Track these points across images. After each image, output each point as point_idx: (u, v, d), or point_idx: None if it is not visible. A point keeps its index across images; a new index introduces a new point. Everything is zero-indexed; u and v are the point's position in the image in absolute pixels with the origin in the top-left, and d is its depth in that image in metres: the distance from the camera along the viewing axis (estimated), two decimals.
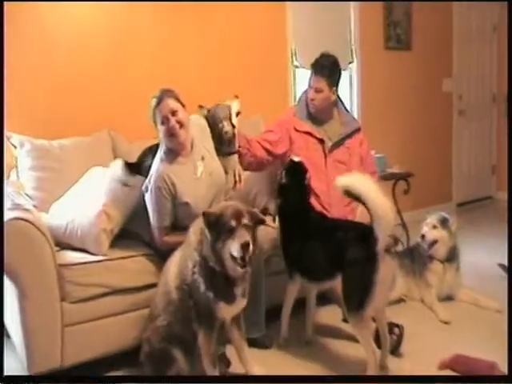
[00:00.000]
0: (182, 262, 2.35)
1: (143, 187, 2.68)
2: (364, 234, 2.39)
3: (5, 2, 2.75)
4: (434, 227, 3.32)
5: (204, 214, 2.23)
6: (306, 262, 2.68)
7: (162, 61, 3.79)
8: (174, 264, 2.41)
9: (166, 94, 2.65)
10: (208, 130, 2.92)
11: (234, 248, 2.19)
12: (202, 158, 2.76)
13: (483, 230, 4.97)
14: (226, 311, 2.34)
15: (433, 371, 2.51)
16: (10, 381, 2.16)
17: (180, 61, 3.88)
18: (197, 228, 2.34)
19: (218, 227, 2.21)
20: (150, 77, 3.65)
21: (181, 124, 2.63)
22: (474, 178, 6.32)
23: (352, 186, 2.38)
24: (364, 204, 2.37)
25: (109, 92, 3.57)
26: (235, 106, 2.98)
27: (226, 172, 2.92)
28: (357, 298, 2.37)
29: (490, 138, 6.44)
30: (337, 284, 2.57)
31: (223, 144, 2.92)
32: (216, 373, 2.36)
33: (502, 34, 6.13)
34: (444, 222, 3.31)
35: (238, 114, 2.99)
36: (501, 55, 6.24)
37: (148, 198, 2.66)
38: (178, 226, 2.68)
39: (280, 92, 4.45)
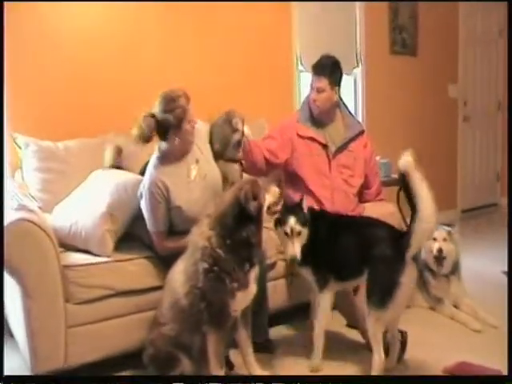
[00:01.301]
0: (190, 269, 2.35)
1: (138, 194, 2.68)
2: (397, 233, 2.49)
3: (5, 2, 2.76)
4: (445, 240, 3.26)
5: (243, 189, 2.30)
6: (338, 262, 2.62)
7: (166, 64, 3.80)
8: (178, 273, 2.41)
9: (182, 91, 2.65)
10: (205, 132, 2.90)
11: (272, 195, 2.42)
12: (197, 161, 2.75)
13: (488, 237, 4.95)
14: (241, 302, 2.36)
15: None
16: (9, 381, 2.16)
17: (185, 64, 3.88)
18: (201, 231, 2.35)
19: (258, 195, 2.34)
20: (156, 79, 3.65)
21: (189, 119, 2.64)
22: (478, 184, 6.31)
23: (411, 174, 2.40)
24: (411, 199, 2.38)
25: (115, 94, 3.57)
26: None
27: (227, 179, 2.90)
28: (380, 296, 2.40)
29: (495, 145, 6.42)
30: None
31: (229, 150, 2.91)
32: (222, 375, 2.36)
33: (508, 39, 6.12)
34: (450, 235, 3.28)
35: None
36: (506, 61, 6.22)
37: (143, 204, 2.66)
38: (173, 231, 2.69)
39: (285, 96, 4.44)
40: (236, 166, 2.98)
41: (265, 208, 2.36)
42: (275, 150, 3.16)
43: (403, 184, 2.45)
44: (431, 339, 2.90)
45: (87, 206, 2.75)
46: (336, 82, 3.18)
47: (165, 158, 2.67)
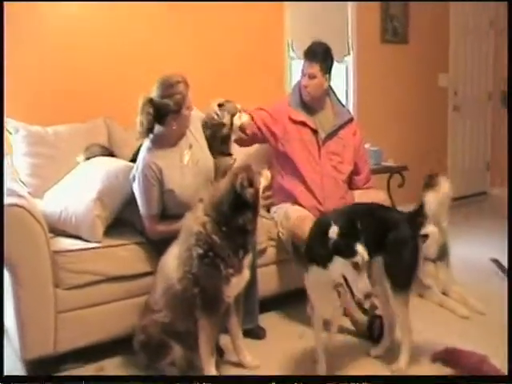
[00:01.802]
0: (183, 254, 2.35)
1: (130, 176, 2.68)
2: (406, 214, 2.53)
3: (4, 2, 2.73)
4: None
5: (239, 176, 2.30)
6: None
7: (158, 50, 3.77)
8: (172, 258, 2.41)
9: (181, 77, 2.64)
10: (199, 119, 2.89)
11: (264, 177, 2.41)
12: (190, 147, 2.75)
13: (477, 225, 4.99)
14: (235, 287, 2.38)
15: (426, 363, 2.52)
16: (9, 381, 2.16)
17: (176, 51, 3.85)
18: (196, 216, 2.36)
19: (253, 178, 2.35)
20: (147, 65, 3.63)
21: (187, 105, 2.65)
22: (468, 173, 6.34)
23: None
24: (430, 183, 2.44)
25: (105, 79, 3.55)
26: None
27: (218, 168, 2.87)
28: (404, 277, 2.44)
29: (484, 135, 6.45)
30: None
31: (217, 145, 2.90)
32: (213, 361, 2.38)
33: (499, 30, 6.14)
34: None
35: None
36: (497, 52, 6.25)
37: (136, 186, 2.66)
38: (165, 216, 2.69)
39: (276, 83, 4.43)
40: (227, 158, 2.96)
41: (260, 194, 2.36)
42: (268, 123, 3.17)
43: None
44: (420, 326, 2.92)
45: (78, 192, 2.74)
46: (327, 68, 3.18)
47: (159, 142, 2.66)
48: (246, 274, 2.42)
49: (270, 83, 4.35)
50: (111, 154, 3.09)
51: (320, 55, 3.15)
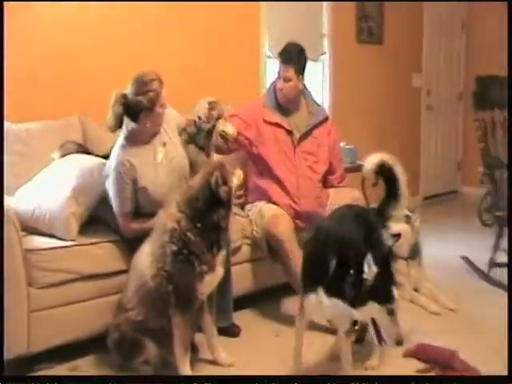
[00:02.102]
0: (157, 251, 2.35)
1: (104, 173, 2.67)
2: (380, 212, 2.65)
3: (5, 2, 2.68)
4: (398, 221, 3.32)
5: (213, 176, 2.30)
6: None
7: (133, 48, 3.73)
8: (145, 255, 2.40)
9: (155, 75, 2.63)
10: (173, 117, 2.87)
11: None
12: (164, 144, 2.74)
13: (448, 223, 5.08)
14: (208, 285, 2.39)
15: (400, 359, 2.57)
16: (9, 381, 2.13)
17: (152, 49, 3.82)
18: (169, 213, 2.35)
19: (227, 177, 2.35)
20: (121, 62, 3.60)
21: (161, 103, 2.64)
22: (440, 172, 6.46)
23: (385, 162, 2.62)
24: (390, 179, 2.62)
25: (79, 76, 3.50)
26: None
27: (194, 165, 2.86)
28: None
29: (456, 135, 6.57)
30: None
31: (199, 138, 2.87)
32: (187, 359, 2.37)
33: (470, 32, 6.27)
34: (407, 218, 3.34)
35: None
36: (468, 53, 6.37)
37: (109, 184, 2.64)
38: (138, 214, 2.68)
39: (252, 82, 4.43)
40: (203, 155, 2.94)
41: (233, 192, 2.37)
42: (240, 129, 3.16)
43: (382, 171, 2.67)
44: None
45: (52, 189, 2.71)
46: (301, 70, 3.21)
47: (132, 139, 2.65)
48: (220, 271, 2.44)
49: (245, 82, 4.35)
50: (86, 152, 3.06)
51: (294, 58, 3.16)
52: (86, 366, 2.56)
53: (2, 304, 2.31)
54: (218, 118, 2.86)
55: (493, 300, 3.19)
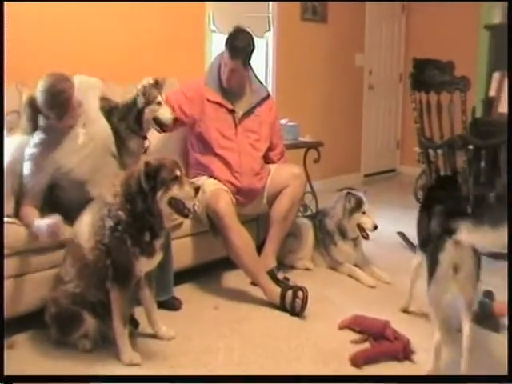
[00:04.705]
0: (96, 223, 2.33)
1: (27, 154, 2.58)
2: None
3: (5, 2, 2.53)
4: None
5: (147, 164, 2.24)
6: None
7: (79, 22, 3.63)
8: (84, 226, 2.37)
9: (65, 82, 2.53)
10: (91, 87, 2.80)
11: (183, 194, 2.28)
12: (84, 125, 2.67)
13: (386, 201, 5.23)
14: (145, 266, 2.38)
15: (335, 330, 2.66)
16: (9, 381, 2.06)
17: (98, 23, 3.73)
18: (113, 184, 2.33)
19: (160, 177, 2.24)
20: (68, 35, 3.53)
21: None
22: (380, 150, 6.63)
23: None
24: None
25: (19, 43, 3.37)
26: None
27: (127, 145, 2.80)
28: None
29: (396, 114, 6.75)
30: None
31: (131, 121, 2.79)
32: (126, 333, 2.37)
33: (409, 14, 6.42)
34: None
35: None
36: (408, 35, 6.54)
37: (28, 168, 2.57)
38: (65, 198, 2.65)
39: (196, 56, 4.40)
40: (140, 140, 2.87)
41: (164, 196, 2.27)
42: (184, 108, 3.15)
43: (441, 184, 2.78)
44: (330, 295, 3.07)
45: None
46: (248, 59, 3.18)
47: (49, 131, 2.59)
48: (158, 256, 2.41)
49: (189, 56, 4.32)
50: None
51: (244, 52, 3.11)
52: (22, 342, 2.50)
53: (2, 304, 2.25)
54: (149, 102, 2.76)
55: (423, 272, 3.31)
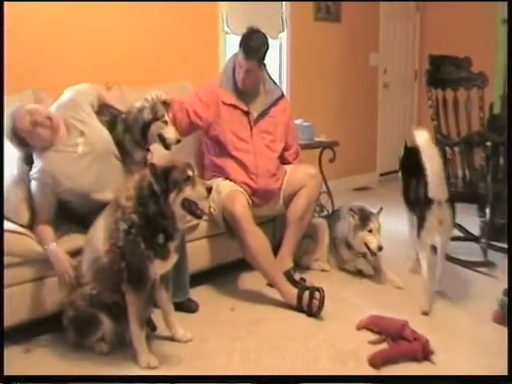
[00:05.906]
0: (111, 226, 2.33)
1: (30, 175, 2.59)
2: None
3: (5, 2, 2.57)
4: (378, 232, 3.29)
5: (152, 166, 2.23)
6: None
7: (90, 22, 3.64)
8: (99, 230, 2.38)
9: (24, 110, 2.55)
10: (87, 97, 2.76)
11: (196, 194, 2.26)
12: (82, 134, 2.65)
13: (401, 199, 5.16)
14: (160, 268, 2.38)
15: (353, 331, 2.64)
16: (9, 381, 2.09)
17: (111, 25, 3.74)
18: (126, 187, 2.33)
19: (172, 178, 2.23)
20: (79, 38, 3.54)
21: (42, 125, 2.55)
22: (395, 149, 6.55)
23: (426, 149, 2.82)
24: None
25: (34, 50, 3.40)
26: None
27: (133, 156, 2.79)
28: None
29: (411, 113, 6.69)
30: None
31: (135, 132, 2.74)
32: (143, 336, 2.37)
33: (424, 13, 6.36)
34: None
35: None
36: (423, 34, 6.47)
37: (33, 188, 2.59)
38: (68, 209, 2.67)
39: (210, 57, 4.39)
40: (143, 152, 2.84)
41: (177, 197, 2.26)
42: (199, 112, 3.15)
43: (409, 155, 2.88)
44: (347, 296, 3.05)
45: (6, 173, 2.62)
46: (263, 59, 3.17)
47: (41, 154, 2.60)
48: (172, 258, 2.41)
49: (203, 58, 4.31)
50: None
51: (258, 52, 3.10)
52: (42, 345, 2.52)
53: (2, 304, 2.28)
54: (156, 118, 2.72)
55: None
